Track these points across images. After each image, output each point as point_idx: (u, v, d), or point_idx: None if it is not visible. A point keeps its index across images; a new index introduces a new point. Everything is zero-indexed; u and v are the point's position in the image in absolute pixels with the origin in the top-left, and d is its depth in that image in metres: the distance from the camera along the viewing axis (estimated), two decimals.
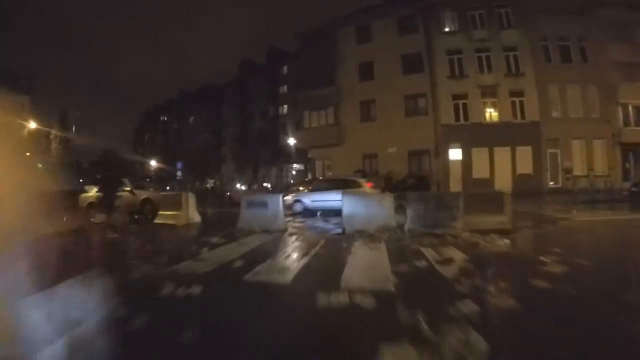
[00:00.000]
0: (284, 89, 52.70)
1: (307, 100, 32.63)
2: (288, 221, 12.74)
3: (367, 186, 17.90)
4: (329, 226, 12.16)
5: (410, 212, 9.84)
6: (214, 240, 9.42)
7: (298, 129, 37.37)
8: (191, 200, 13.87)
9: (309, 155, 34.29)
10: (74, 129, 52.88)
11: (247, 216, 11.54)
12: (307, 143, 33.74)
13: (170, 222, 13.23)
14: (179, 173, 67.02)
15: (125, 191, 16.78)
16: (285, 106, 52.24)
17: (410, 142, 28.81)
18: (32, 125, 42.76)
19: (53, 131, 48.04)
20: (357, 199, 10.40)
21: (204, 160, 59.86)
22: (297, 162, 44.79)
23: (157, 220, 13.89)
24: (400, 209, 10.62)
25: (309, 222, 13.86)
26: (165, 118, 77.13)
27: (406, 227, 9.73)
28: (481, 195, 10.88)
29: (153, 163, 64.01)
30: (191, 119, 69.15)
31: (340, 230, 10.23)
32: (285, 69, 52.27)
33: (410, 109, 29.83)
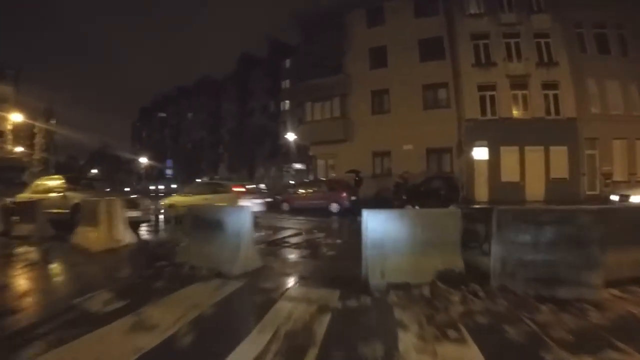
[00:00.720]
0: (286, 83, 47.68)
1: (309, 90, 27.55)
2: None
3: (232, 190, 14.74)
4: (331, 264, 7.21)
5: (499, 249, 4.91)
6: (98, 303, 4.55)
7: (299, 123, 32.25)
8: (118, 212, 8.80)
9: (311, 153, 29.17)
10: (54, 121, 48.28)
11: (193, 243, 6.59)
12: (309, 139, 28.63)
13: (86, 244, 8.22)
14: (168, 171, 62.15)
15: (59, 193, 11.97)
16: (287, 102, 47.26)
17: (429, 138, 23.76)
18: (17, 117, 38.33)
19: (37, 124, 43.52)
20: (391, 219, 5.28)
21: (197, 158, 55.18)
22: (298, 161, 39.92)
23: (75, 240, 8.84)
24: (471, 238, 5.64)
25: (298, 252, 8.67)
26: (164, 114, 71.98)
27: (494, 280, 4.79)
28: (622, 213, 5.89)
29: (143, 160, 59.43)
30: (189, 115, 64.25)
31: (357, 281, 5.26)
32: (287, 62, 47.27)
33: (429, 101, 24.75)
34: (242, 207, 6.55)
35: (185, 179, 52.26)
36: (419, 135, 23.81)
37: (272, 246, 8.85)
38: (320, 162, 28.28)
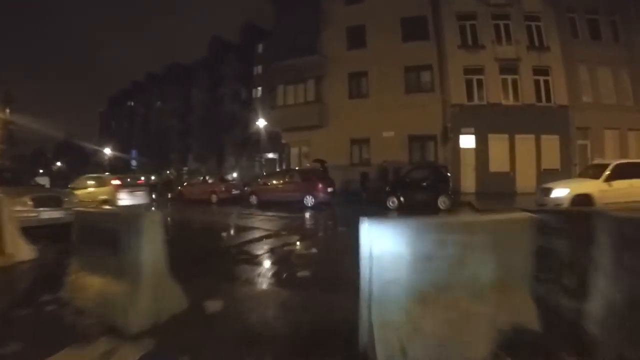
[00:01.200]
0: (258, 69, 44.66)
1: (282, 71, 24.73)
2: None
3: (109, 184, 14.25)
4: (304, 301, 4.56)
5: (614, 289, 2.48)
6: None
7: (271, 108, 29.39)
8: (4, 215, 5.96)
9: (283, 140, 26.42)
10: (8, 110, 44.11)
11: (83, 268, 4.02)
12: (281, 124, 25.82)
13: None
14: (133, 162, 58.03)
15: None
16: (260, 89, 44.26)
17: (412, 125, 21.34)
18: None
19: None
20: (423, 236, 2.72)
21: (166, 148, 51.45)
22: (270, 150, 37.22)
23: None
24: (541, 263, 3.20)
25: (254, 273, 6.08)
26: (133, 103, 67.33)
27: (606, 348, 2.44)
28: None
29: (107, 151, 55.42)
30: (158, 103, 59.93)
31: (350, 348, 2.79)
32: (260, 47, 44.23)
33: (411, 85, 22.30)
34: (144, 211, 3.98)
35: (152, 170, 49.07)
36: (400, 121, 21.34)
37: (220, 261, 6.33)
38: (294, 151, 25.61)
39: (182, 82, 54.92)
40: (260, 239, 8.49)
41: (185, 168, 49.51)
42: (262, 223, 11.48)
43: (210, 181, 23.34)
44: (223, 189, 21.53)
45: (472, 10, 21.79)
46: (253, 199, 18.69)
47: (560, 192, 11.09)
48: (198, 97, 51.75)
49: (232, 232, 9.92)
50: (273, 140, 32.38)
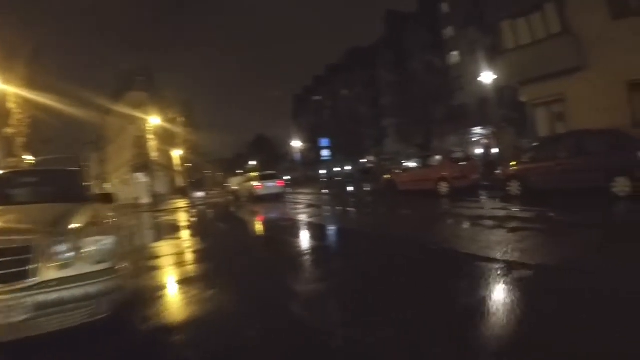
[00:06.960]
0: (449, 32, 38.24)
1: (502, 1, 15.95)
2: None
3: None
4: None
5: None
6: None
7: (496, 54, 20.11)
8: None
9: (522, 98, 16.58)
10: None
11: None
12: (515, 75, 16.22)
13: None
14: (324, 152, 52.15)
15: None
16: (456, 53, 37.23)
17: None
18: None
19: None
20: None
21: (357, 135, 45.24)
22: (480, 125, 31.10)
23: None
24: None
25: None
26: (319, 97, 63.76)
27: None
28: None
29: (295, 144, 52.25)
30: (344, 92, 55.15)
31: None
32: (444, 6, 38.04)
33: None
34: None
35: (345, 160, 46.43)
36: None
37: None
38: (540, 113, 15.86)
39: (364, 66, 50.34)
40: None
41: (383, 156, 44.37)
42: None
43: (435, 163, 15.45)
44: (458, 173, 14.08)
45: None
46: (514, 187, 11.22)
47: None
48: (386, 78, 45.50)
49: None
50: (483, 110, 26.73)
